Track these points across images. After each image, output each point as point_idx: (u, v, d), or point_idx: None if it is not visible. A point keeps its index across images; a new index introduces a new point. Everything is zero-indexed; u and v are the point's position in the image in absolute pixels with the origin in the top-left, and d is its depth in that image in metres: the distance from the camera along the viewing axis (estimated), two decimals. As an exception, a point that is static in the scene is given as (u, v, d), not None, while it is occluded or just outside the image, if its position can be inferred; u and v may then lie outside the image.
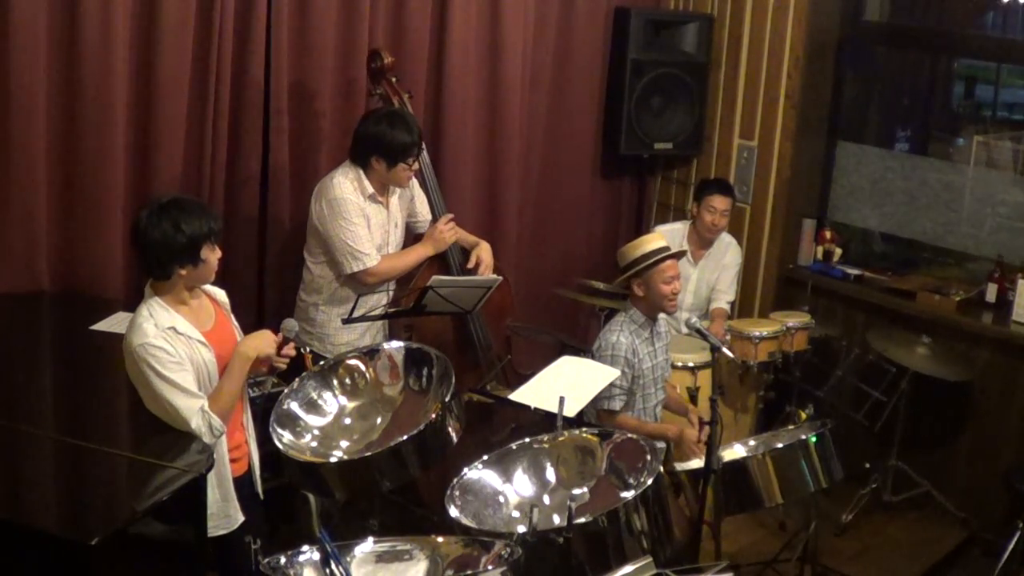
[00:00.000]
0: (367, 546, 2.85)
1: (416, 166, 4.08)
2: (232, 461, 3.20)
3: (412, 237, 4.40)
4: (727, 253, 5.26)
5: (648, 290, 4.01)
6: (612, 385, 3.91)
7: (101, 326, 3.71)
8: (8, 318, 3.77)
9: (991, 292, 4.96)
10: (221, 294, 3.30)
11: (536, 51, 5.19)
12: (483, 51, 4.96)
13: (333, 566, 2.55)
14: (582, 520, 2.87)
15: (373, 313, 3.88)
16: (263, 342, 3.13)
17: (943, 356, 4.79)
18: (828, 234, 5.53)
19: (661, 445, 3.98)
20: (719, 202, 5.11)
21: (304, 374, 3.59)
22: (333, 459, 3.36)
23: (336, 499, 3.44)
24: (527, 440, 3.35)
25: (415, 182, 4.29)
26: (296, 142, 4.45)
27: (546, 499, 3.27)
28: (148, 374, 2.96)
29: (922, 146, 5.71)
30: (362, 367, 3.61)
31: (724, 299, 5.21)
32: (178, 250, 2.98)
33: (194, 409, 2.97)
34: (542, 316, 5.23)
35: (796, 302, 5.22)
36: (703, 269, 5.21)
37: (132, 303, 3.89)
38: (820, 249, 5.52)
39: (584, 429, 3.43)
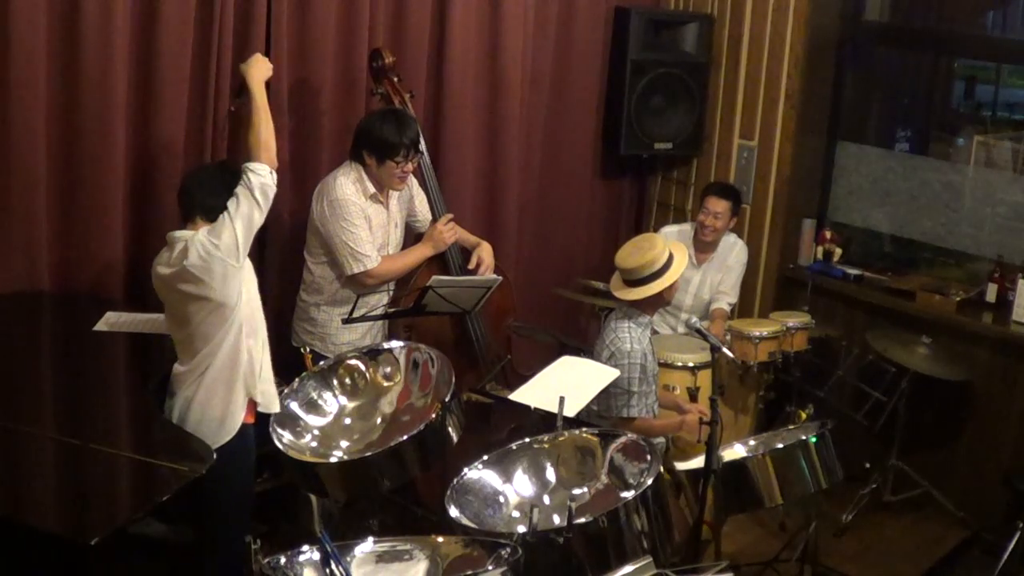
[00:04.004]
0: (367, 546, 2.84)
1: (409, 168, 4.08)
2: None
3: (413, 237, 4.40)
4: (731, 254, 5.24)
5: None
6: (631, 392, 3.94)
7: (101, 326, 3.71)
8: (8, 318, 3.77)
9: (991, 292, 4.96)
10: None
11: (536, 51, 5.19)
12: (483, 51, 4.96)
13: (333, 566, 2.55)
14: (582, 520, 2.87)
15: (373, 313, 3.89)
16: (261, 64, 3.60)
17: (943, 356, 4.78)
18: (828, 234, 5.53)
19: (660, 440, 4.02)
20: (713, 203, 5.08)
21: (304, 374, 3.60)
22: (333, 459, 3.36)
23: (336, 499, 3.43)
24: (527, 440, 3.35)
25: (415, 182, 4.30)
26: (297, 142, 4.44)
27: (546, 499, 3.26)
28: (214, 237, 3.21)
29: (922, 146, 5.72)
30: (362, 367, 3.61)
31: (726, 300, 5.18)
32: None
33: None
34: (542, 316, 5.22)
35: (796, 302, 5.22)
36: (706, 272, 5.19)
37: (132, 303, 3.93)
38: (820, 249, 5.52)
39: (584, 429, 3.42)
